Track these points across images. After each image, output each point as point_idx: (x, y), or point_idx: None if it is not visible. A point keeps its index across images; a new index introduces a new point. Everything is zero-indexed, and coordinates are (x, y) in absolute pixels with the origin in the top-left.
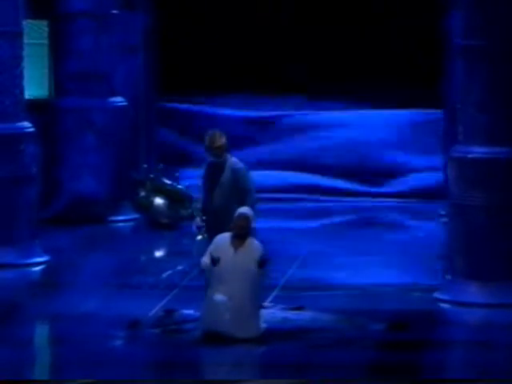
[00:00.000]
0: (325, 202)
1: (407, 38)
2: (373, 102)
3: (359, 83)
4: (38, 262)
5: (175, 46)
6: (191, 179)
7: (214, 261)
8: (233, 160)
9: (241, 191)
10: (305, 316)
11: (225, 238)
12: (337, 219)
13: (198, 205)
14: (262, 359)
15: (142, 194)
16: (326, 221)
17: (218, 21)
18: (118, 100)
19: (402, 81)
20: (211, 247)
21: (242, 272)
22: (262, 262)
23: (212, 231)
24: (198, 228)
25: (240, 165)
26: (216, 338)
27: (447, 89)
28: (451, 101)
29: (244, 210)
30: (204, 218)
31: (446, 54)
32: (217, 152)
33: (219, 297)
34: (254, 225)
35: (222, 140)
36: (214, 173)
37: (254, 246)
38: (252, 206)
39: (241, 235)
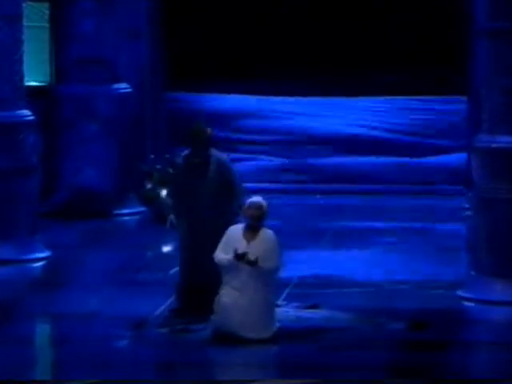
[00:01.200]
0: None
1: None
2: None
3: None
4: (39, 258)
5: (181, 31)
6: None
7: (238, 256)
8: (217, 152)
9: (229, 186)
10: (320, 315)
11: (237, 229)
12: (352, 211)
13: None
14: (275, 360)
15: (149, 186)
16: (340, 214)
17: (226, 4)
18: (123, 86)
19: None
20: (224, 240)
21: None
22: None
23: (200, 237)
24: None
25: (225, 156)
26: (226, 338)
27: (471, 75)
28: (475, 87)
29: (257, 198)
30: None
31: (467, 38)
32: (204, 145)
33: (230, 297)
34: (267, 214)
35: (208, 131)
36: (195, 171)
37: (267, 237)
38: (242, 201)
39: (254, 226)
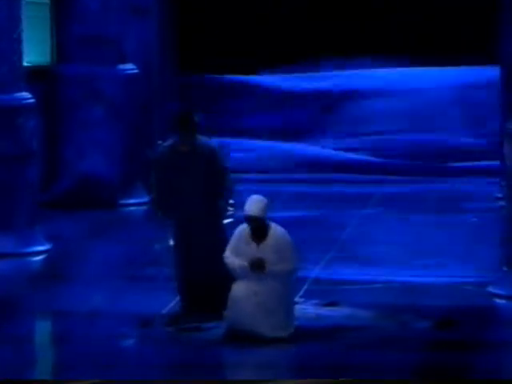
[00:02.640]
0: (362, 184)
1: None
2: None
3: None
4: (39, 252)
5: (194, 7)
6: None
7: (253, 266)
8: (206, 140)
9: (217, 174)
10: (340, 312)
11: (245, 229)
12: (376, 202)
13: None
14: (292, 360)
15: None
16: (364, 204)
17: None
18: (129, 67)
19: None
20: (232, 241)
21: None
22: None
23: (187, 236)
24: None
25: (215, 143)
26: (240, 337)
27: (504, 61)
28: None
29: (250, 206)
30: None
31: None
32: (191, 132)
33: (243, 292)
34: (267, 213)
35: (197, 117)
36: (181, 160)
37: (278, 236)
38: (230, 196)
39: (258, 228)
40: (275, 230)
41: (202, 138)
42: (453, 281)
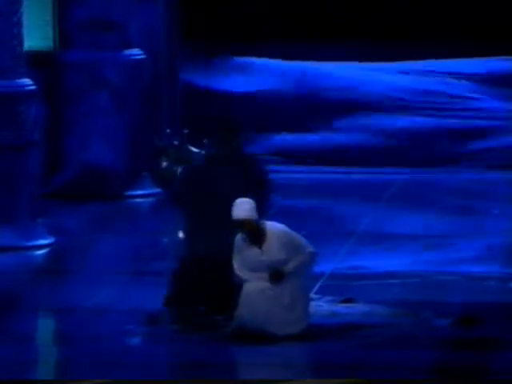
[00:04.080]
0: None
1: None
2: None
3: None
4: (41, 245)
5: None
6: None
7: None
8: (247, 151)
9: (257, 190)
10: (356, 309)
11: (241, 238)
12: (394, 191)
13: (180, 234)
14: (307, 359)
15: (165, 164)
16: (382, 193)
17: None
18: (135, 52)
19: None
20: (235, 254)
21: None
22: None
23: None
24: None
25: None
26: (251, 335)
27: None
28: None
29: (239, 201)
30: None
31: None
32: (234, 141)
33: (255, 287)
34: (255, 215)
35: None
36: (218, 169)
37: (278, 234)
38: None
39: (253, 232)
40: (272, 227)
41: (244, 149)
42: (475, 276)
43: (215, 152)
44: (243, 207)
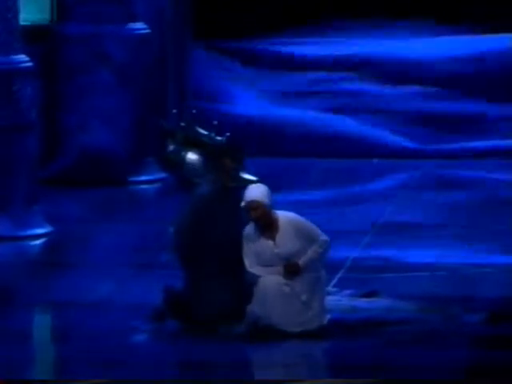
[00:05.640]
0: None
1: None
2: None
3: None
4: (39, 235)
5: None
6: None
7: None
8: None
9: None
10: (379, 304)
11: (251, 230)
12: (417, 177)
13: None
14: (325, 358)
15: (171, 147)
16: (404, 180)
17: None
18: (139, 26)
19: None
20: (245, 249)
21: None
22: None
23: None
24: None
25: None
26: (265, 332)
27: None
28: None
29: (250, 192)
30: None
31: None
32: (241, 166)
33: (270, 282)
34: (270, 202)
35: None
36: (226, 198)
37: (290, 223)
38: None
39: (265, 220)
40: (284, 216)
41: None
42: (508, 269)
43: (222, 184)
44: (258, 189)
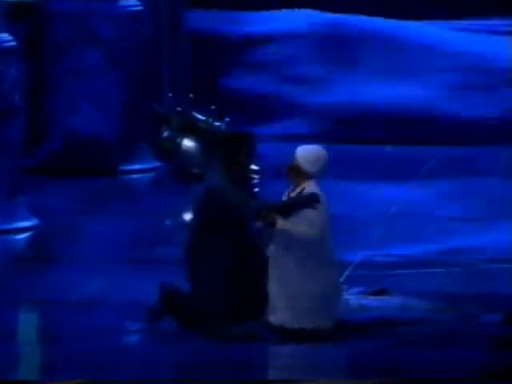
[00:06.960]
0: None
1: None
2: None
3: None
4: (23, 228)
5: None
6: None
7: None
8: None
9: None
10: (390, 303)
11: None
12: (433, 166)
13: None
14: (332, 360)
15: (166, 134)
16: (417, 169)
17: None
18: (131, 3)
19: None
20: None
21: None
22: None
23: None
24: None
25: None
26: (269, 332)
27: None
28: None
29: (305, 150)
30: None
31: None
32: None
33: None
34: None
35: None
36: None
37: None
38: None
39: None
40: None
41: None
42: None
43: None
44: (309, 152)
